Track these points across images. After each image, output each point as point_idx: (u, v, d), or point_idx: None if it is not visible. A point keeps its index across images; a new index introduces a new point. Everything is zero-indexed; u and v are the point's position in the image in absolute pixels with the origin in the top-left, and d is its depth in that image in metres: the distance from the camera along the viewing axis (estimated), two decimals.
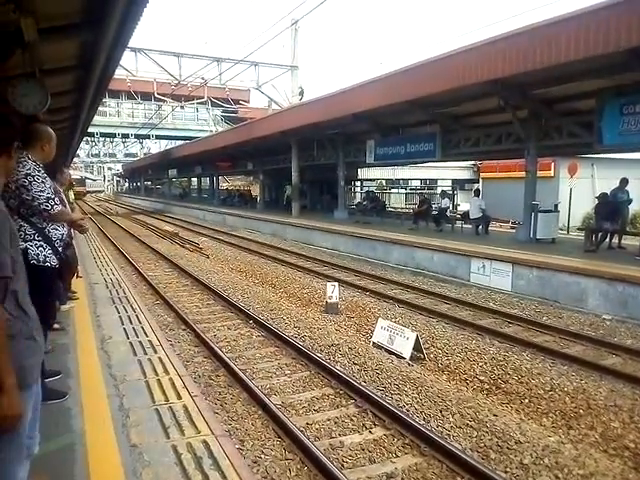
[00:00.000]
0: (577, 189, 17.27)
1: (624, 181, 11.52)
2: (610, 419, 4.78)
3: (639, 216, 19.76)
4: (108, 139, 46.47)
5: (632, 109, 9.32)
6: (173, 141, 41.16)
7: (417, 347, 6.38)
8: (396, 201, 29.09)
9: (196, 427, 3.11)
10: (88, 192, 63.78)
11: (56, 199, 3.64)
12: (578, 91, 10.39)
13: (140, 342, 4.84)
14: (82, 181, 59.61)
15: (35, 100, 5.93)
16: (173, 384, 3.79)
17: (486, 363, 6.20)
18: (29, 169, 3.50)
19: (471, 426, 4.45)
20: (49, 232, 3.73)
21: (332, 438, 4.24)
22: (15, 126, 1.91)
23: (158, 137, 39.56)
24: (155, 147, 50.95)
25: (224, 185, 48.80)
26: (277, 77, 25.68)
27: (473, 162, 29.95)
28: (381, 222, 17.98)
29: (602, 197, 11.48)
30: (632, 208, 12.90)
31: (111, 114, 37.46)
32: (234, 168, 32.12)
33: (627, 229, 11.41)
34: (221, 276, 11.63)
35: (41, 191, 3.51)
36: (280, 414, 4.45)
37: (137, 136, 38.27)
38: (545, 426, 4.75)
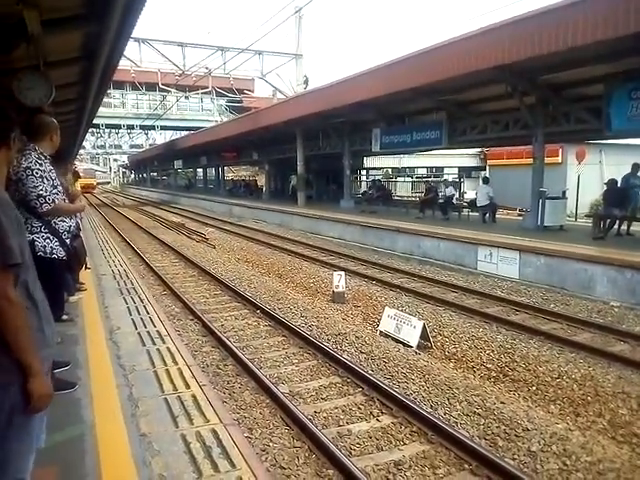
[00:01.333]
0: (585, 175, 17.12)
1: (636, 166, 11.38)
2: (618, 406, 4.77)
3: None
4: (113, 130, 46.43)
5: None
6: (178, 132, 41.12)
7: (424, 335, 6.38)
8: (402, 190, 28.97)
9: (205, 416, 3.13)
10: (99, 184, 59.75)
11: (49, 197, 3.55)
12: (586, 76, 10.26)
13: (148, 332, 4.87)
14: (92, 172, 54.75)
15: (40, 93, 5.92)
16: (181, 374, 3.81)
17: (493, 351, 6.20)
18: (30, 162, 3.50)
19: (478, 414, 4.47)
20: (56, 224, 3.75)
21: (340, 426, 4.27)
22: (12, 118, 1.92)
23: (163, 128, 39.63)
24: (160, 138, 50.93)
25: (229, 175, 48.80)
26: (281, 66, 25.58)
27: (480, 149, 29.71)
28: (387, 211, 17.94)
29: (611, 183, 11.38)
30: None
31: (116, 105, 37.42)
32: (239, 158, 32.10)
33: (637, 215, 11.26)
34: (228, 266, 11.67)
35: (34, 187, 3.46)
36: (288, 402, 4.48)
37: (142, 127, 38.28)
38: (553, 413, 4.76)
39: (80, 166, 46.63)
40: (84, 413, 3.19)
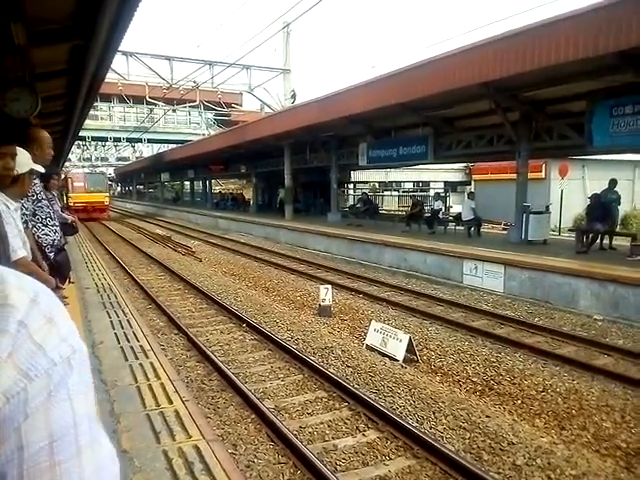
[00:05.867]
0: (568, 190, 17.37)
1: (613, 182, 11.65)
2: (602, 419, 4.80)
3: (629, 216, 19.92)
4: (100, 143, 46.04)
5: (622, 111, 9.40)
6: (165, 145, 41.03)
7: (410, 349, 6.38)
8: (389, 203, 29.13)
9: (187, 432, 3.09)
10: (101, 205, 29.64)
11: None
12: (569, 93, 10.46)
13: (131, 347, 4.82)
14: (101, 181, 29.65)
15: (26, 104, 5.89)
16: (164, 389, 3.77)
17: (479, 364, 6.22)
18: None
19: (464, 428, 4.46)
20: (39, 238, 3.72)
21: (325, 441, 4.24)
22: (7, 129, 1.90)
23: (150, 141, 39.45)
24: (147, 151, 50.65)
25: (217, 188, 48.61)
26: (269, 80, 25.71)
27: (465, 164, 30.06)
28: (374, 224, 18.00)
29: (594, 198, 11.56)
30: (622, 209, 13.00)
31: (103, 118, 37.30)
32: (227, 171, 32.08)
33: (617, 229, 11.46)
34: (214, 280, 11.60)
35: None
36: (273, 418, 4.44)
37: (129, 140, 38.12)
38: (538, 427, 4.77)
39: (75, 171, 32.51)
40: None
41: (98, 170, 35.57)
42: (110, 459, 0.49)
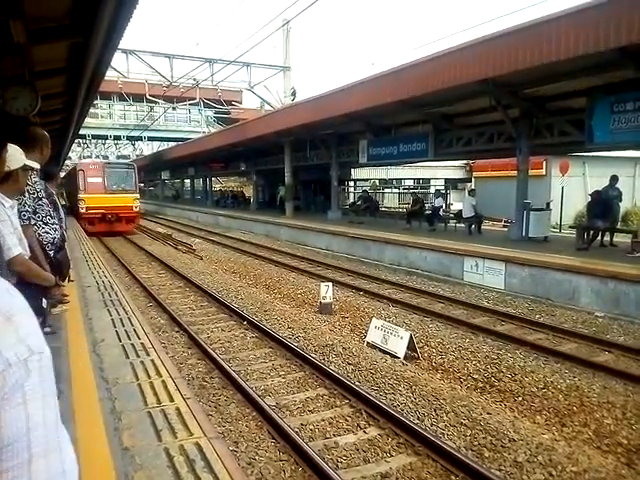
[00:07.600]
0: (569, 187, 17.34)
1: (614, 178, 11.61)
2: (603, 416, 4.80)
3: (630, 213, 19.88)
4: (100, 141, 45.89)
5: (622, 107, 9.38)
6: (165, 143, 40.97)
7: (411, 346, 6.39)
8: (389, 201, 29.09)
9: (189, 429, 3.09)
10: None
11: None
12: (569, 89, 10.44)
13: (132, 345, 4.80)
14: (125, 176, 20.90)
15: (25, 102, 5.89)
16: (166, 387, 3.76)
17: (480, 361, 6.22)
18: None
19: (465, 424, 4.46)
20: (40, 236, 3.71)
21: (326, 438, 4.24)
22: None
23: (150, 139, 39.36)
24: (147, 149, 50.57)
25: (217, 186, 48.61)
26: (269, 78, 25.62)
27: (466, 161, 30.01)
28: (374, 222, 17.99)
29: (594, 195, 11.53)
30: (623, 206, 12.96)
31: (103, 116, 37.27)
32: (227, 169, 32.09)
33: (618, 226, 11.42)
34: (215, 277, 11.60)
35: None
36: (274, 415, 4.45)
37: (129, 138, 38.06)
38: (539, 424, 4.77)
39: (88, 161, 24.19)
40: (65, 426, 3.11)
41: (123, 160, 27.37)
42: (69, 469, 0.47)
